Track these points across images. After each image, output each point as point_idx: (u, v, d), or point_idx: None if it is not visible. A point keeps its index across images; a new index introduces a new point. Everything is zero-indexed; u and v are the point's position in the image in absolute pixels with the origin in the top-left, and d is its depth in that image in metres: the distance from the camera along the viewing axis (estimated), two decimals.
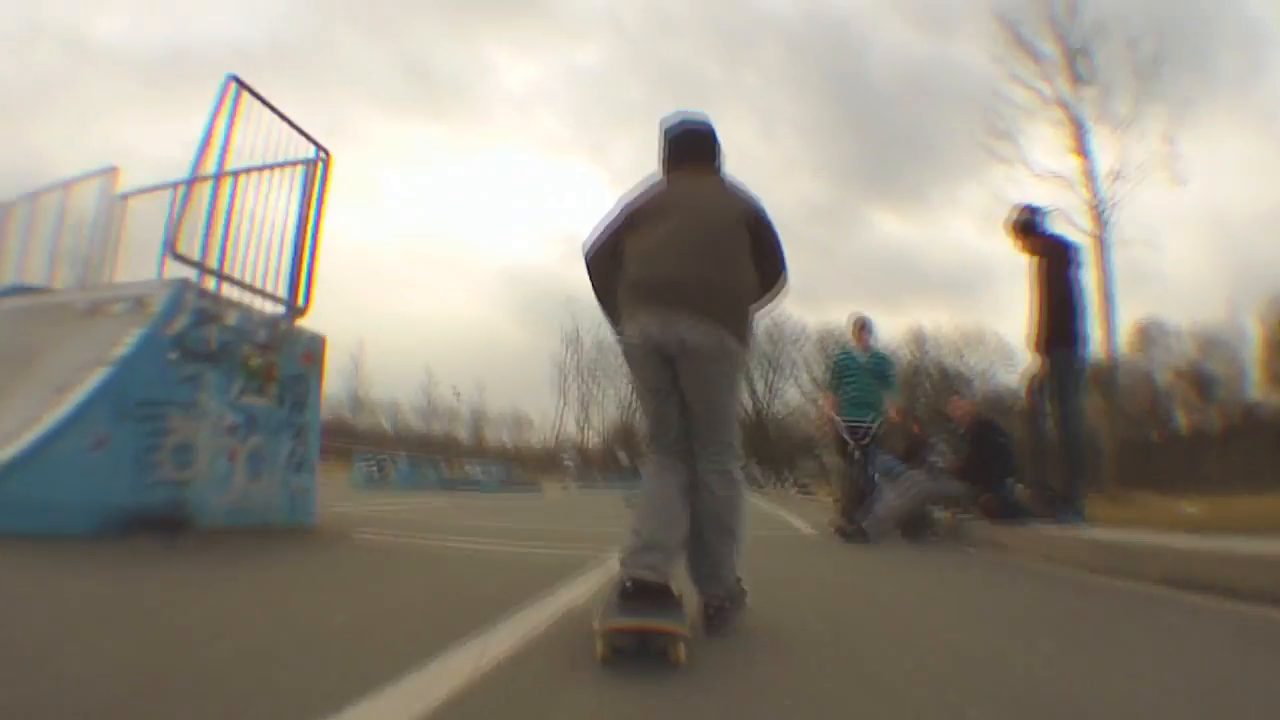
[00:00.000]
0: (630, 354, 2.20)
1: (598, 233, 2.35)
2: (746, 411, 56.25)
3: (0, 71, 55.22)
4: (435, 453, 35.56)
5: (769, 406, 57.65)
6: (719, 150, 2.44)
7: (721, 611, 2.11)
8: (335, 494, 11.05)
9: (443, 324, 67.08)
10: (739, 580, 2.21)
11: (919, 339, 50.73)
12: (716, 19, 69.53)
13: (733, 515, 2.16)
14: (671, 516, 2.05)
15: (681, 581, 2.02)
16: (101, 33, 62.37)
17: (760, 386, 57.82)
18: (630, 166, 66.30)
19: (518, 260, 79.37)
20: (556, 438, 58.43)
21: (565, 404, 58.89)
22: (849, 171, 69.46)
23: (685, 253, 2.17)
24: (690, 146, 2.41)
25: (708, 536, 2.13)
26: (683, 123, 2.44)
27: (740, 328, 2.17)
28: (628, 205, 2.33)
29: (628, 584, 1.83)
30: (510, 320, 73.35)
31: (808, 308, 63.82)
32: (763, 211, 2.30)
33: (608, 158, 74.15)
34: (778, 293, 2.40)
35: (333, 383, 49.31)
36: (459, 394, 51.93)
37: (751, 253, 2.24)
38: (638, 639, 1.73)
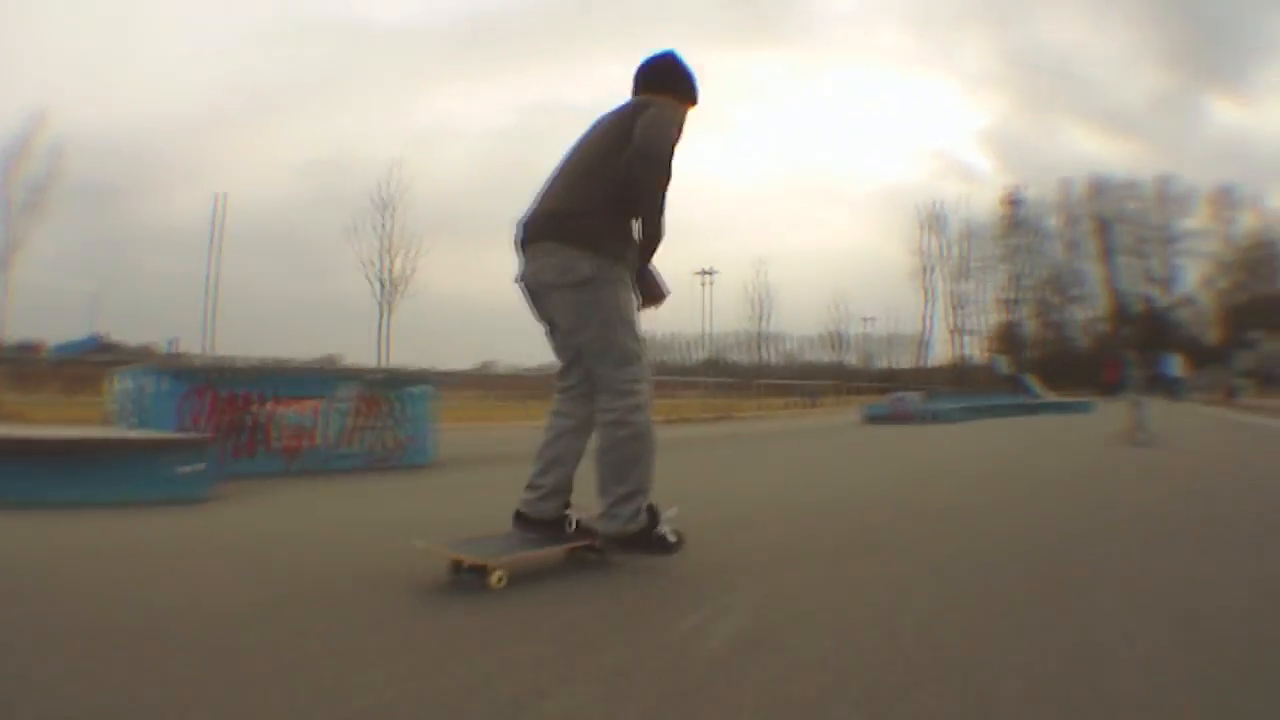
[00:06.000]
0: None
1: None
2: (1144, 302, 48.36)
3: (281, 70, 58.00)
4: None
5: (1167, 289, 48.92)
6: (659, 79, 2.47)
7: (605, 549, 2.32)
8: None
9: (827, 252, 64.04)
10: (650, 523, 2.27)
11: None
12: None
13: (623, 462, 2.22)
14: (547, 462, 2.33)
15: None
16: (385, 17, 64.89)
17: (1154, 265, 49.71)
18: (984, 70, 67.48)
19: (889, 181, 77.15)
20: (922, 345, 51.94)
21: (931, 302, 52.77)
22: (1184, 56, 64.74)
23: (543, 192, 2.34)
24: (634, 82, 2.51)
25: (600, 479, 2.28)
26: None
27: (595, 240, 2.16)
28: None
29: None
30: (888, 242, 73.42)
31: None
32: (645, 105, 2.29)
33: (958, 63, 72.27)
34: (646, 176, 2.17)
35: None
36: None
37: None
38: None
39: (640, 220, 2.23)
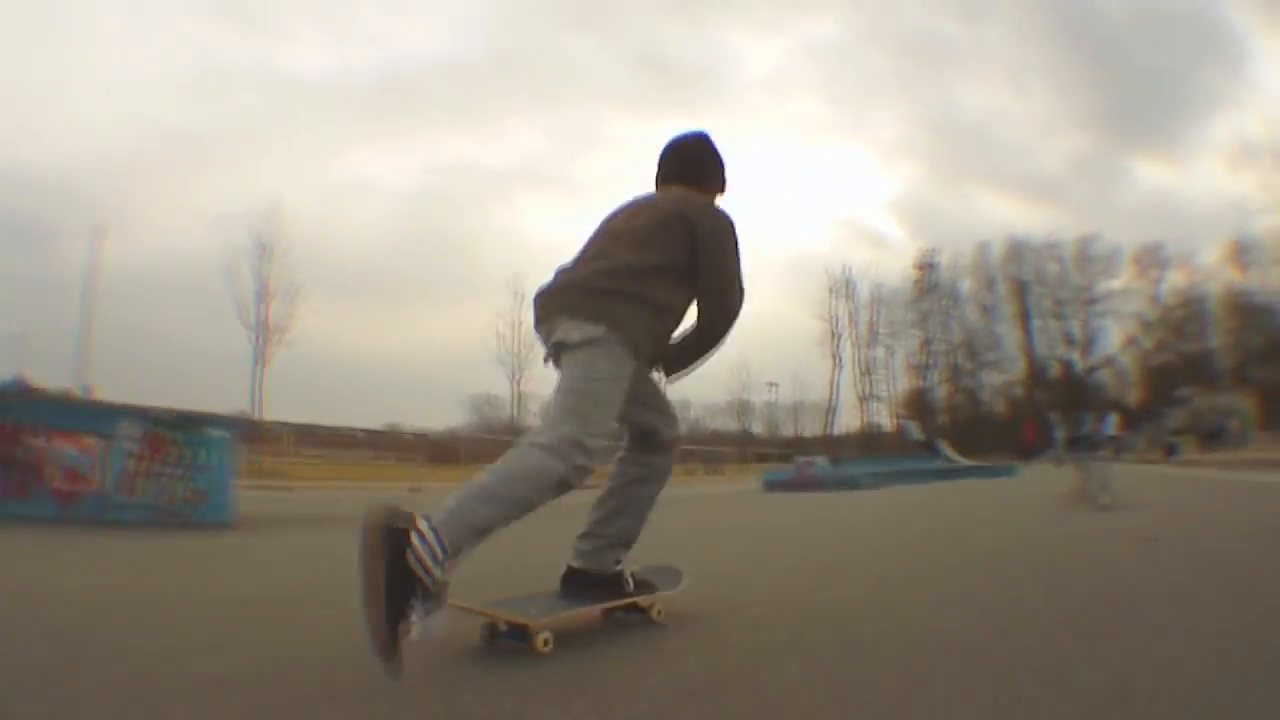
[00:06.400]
0: None
1: None
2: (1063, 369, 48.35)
3: (199, 118, 52.91)
4: None
5: (1087, 352, 48.44)
6: (696, 171, 2.33)
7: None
8: None
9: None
10: (426, 607, 1.58)
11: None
12: None
13: (512, 490, 1.80)
14: (610, 510, 2.15)
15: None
16: (303, 70, 59.90)
17: (1074, 327, 49.07)
18: (898, 138, 66.54)
19: (797, 246, 71.72)
20: (829, 412, 51.52)
21: (839, 368, 52.06)
22: (1109, 119, 62.88)
23: (564, 270, 2.14)
24: (661, 164, 2.37)
25: (469, 487, 1.83)
26: (669, 140, 2.39)
27: (611, 318, 1.97)
28: None
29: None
30: (795, 308, 68.40)
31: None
32: (693, 216, 2.12)
33: (871, 131, 70.01)
34: (720, 314, 2.16)
35: None
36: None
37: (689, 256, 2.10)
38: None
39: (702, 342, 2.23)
